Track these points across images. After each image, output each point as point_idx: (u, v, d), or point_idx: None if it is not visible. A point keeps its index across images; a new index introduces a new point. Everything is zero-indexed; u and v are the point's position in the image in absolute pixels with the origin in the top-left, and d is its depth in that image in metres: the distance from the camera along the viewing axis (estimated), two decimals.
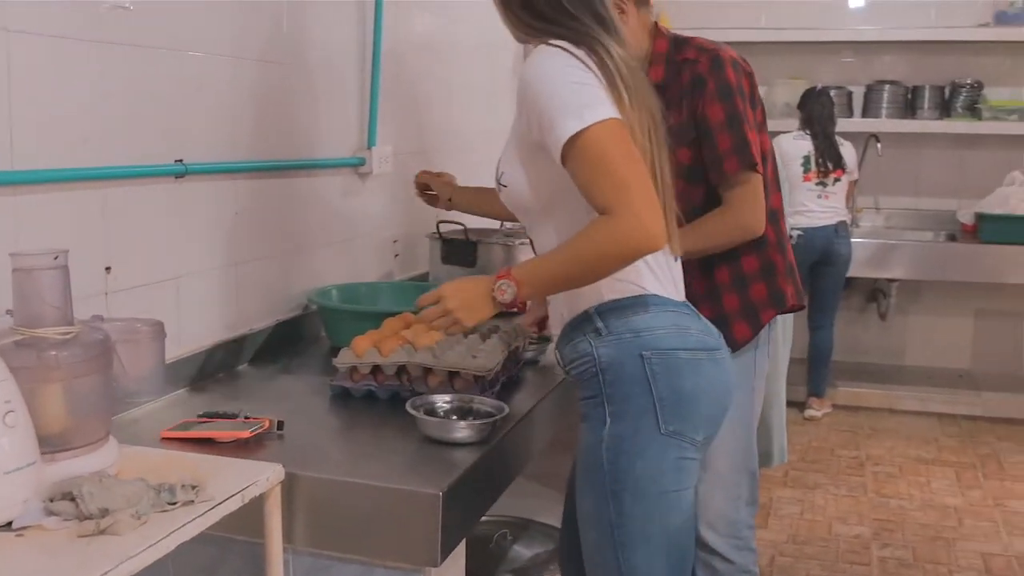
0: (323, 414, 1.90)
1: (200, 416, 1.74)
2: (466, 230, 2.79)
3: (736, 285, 2.25)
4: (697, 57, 2.12)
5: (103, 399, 1.42)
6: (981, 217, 5.00)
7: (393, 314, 2.17)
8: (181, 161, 1.94)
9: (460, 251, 2.79)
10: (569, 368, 1.71)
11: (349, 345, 1.96)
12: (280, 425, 1.72)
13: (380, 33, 2.68)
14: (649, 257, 1.60)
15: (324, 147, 2.52)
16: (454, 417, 1.78)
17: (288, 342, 2.35)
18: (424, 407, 1.77)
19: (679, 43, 2.21)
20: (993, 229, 4.93)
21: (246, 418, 1.72)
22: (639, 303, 1.64)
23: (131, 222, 1.84)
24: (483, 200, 2.36)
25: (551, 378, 2.13)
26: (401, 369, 1.92)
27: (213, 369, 2.07)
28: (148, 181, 1.88)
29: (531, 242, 1.81)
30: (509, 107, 3.96)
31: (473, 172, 3.54)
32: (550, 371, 2.17)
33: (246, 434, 1.64)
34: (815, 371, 5.05)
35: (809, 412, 5.00)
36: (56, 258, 1.36)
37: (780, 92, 5.44)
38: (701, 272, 2.20)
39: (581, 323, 1.67)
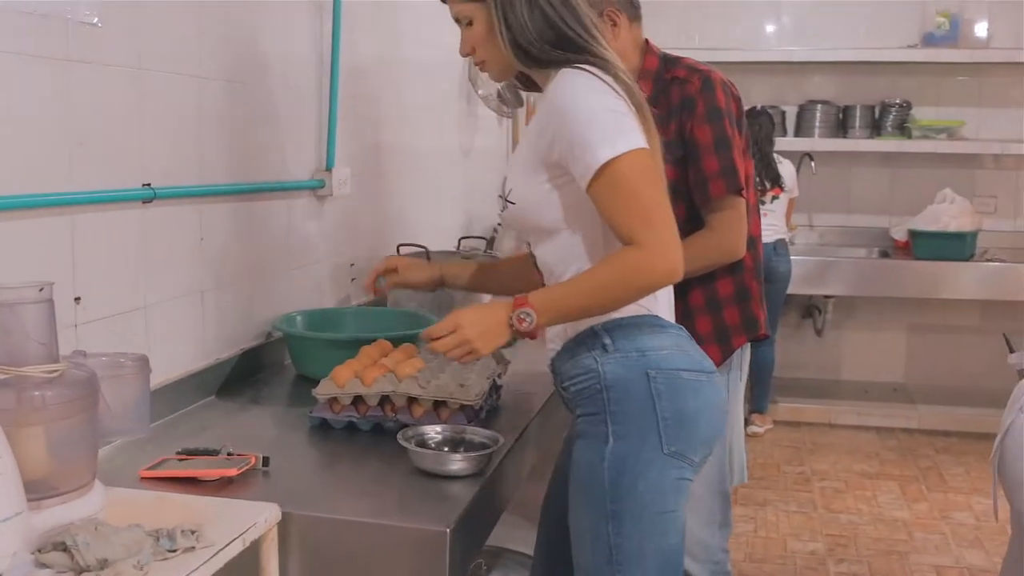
0: (303, 447, 1.82)
1: (179, 453, 1.65)
2: (427, 252, 2.73)
3: (710, 308, 2.24)
4: (688, 77, 2.12)
5: (89, 440, 1.34)
6: (914, 234, 5.11)
7: (366, 341, 2.10)
8: (149, 185, 1.85)
9: None
10: (568, 384, 1.68)
11: (328, 375, 1.89)
12: (266, 461, 1.64)
13: (338, 52, 2.61)
14: None
15: (284, 169, 2.44)
16: (446, 449, 1.72)
17: (253, 371, 2.26)
18: (415, 439, 1.71)
19: (669, 61, 2.20)
20: (926, 245, 5.03)
21: (229, 454, 1.64)
22: (645, 323, 1.64)
23: (100, 250, 1.75)
24: (488, 276, 2.11)
25: (528, 404, 2.08)
26: (383, 399, 1.86)
27: (182, 403, 1.97)
28: (116, 206, 1.79)
29: (534, 259, 1.78)
30: (454, 126, 3.94)
31: (424, 191, 3.50)
32: (523, 396, 2.12)
33: (233, 472, 1.56)
34: (757, 387, 5.09)
35: (752, 429, 5.03)
36: (41, 290, 1.28)
37: None
38: (675, 294, 2.18)
39: (586, 339, 1.65)
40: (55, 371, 1.29)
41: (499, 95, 4.15)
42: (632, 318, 1.63)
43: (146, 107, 1.86)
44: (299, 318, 2.37)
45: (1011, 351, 2.54)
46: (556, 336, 1.72)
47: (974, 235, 5.00)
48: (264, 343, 2.33)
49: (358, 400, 1.86)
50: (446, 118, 3.78)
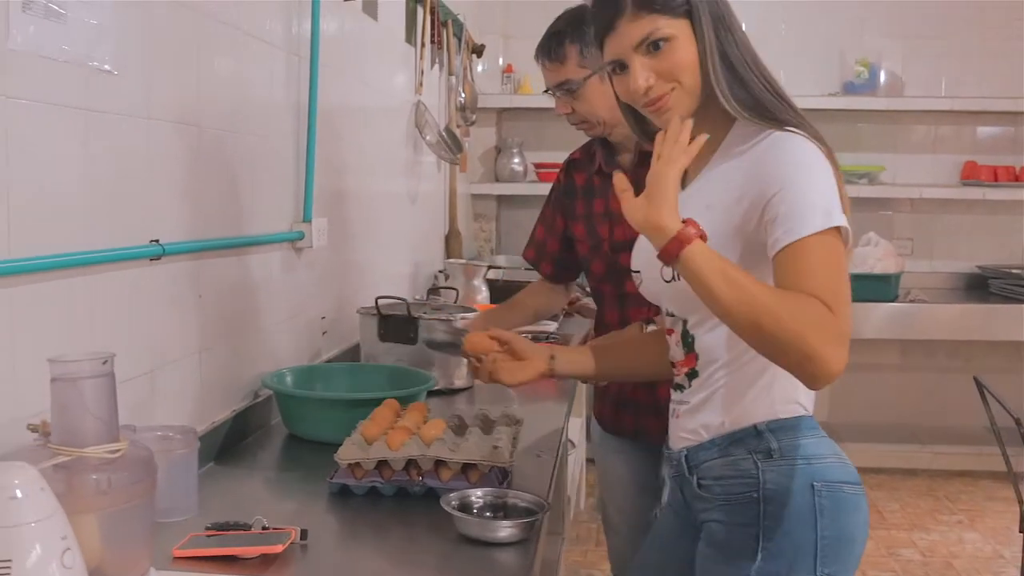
0: (329, 516, 1.73)
1: (208, 528, 1.55)
2: (408, 305, 2.65)
3: None
4: None
5: (147, 526, 1.24)
6: None
7: (368, 400, 2.03)
8: (157, 241, 1.75)
9: (400, 327, 2.65)
10: (712, 484, 1.52)
11: (347, 438, 1.80)
12: (304, 535, 1.55)
13: (315, 100, 2.54)
14: None
15: (266, 221, 2.34)
16: (488, 514, 1.65)
17: (245, 433, 2.15)
18: (458, 503, 1.64)
19: None
20: (854, 287, 5.12)
21: (264, 528, 1.54)
22: (804, 425, 1.50)
23: (111, 309, 1.64)
24: (600, 357, 1.83)
25: (542, 464, 2.03)
26: (409, 463, 1.78)
27: None
28: (126, 264, 1.68)
29: (687, 341, 1.58)
30: (403, 172, 3.87)
31: (383, 240, 3.42)
32: (530, 453, 2.06)
33: (278, 548, 1.46)
34: None
35: None
36: (104, 363, 1.17)
37: None
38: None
39: (746, 438, 1.49)
40: (117, 451, 1.18)
41: (445, 141, 4.11)
42: (795, 419, 1.49)
43: (154, 158, 1.76)
44: (288, 376, 2.27)
45: (982, 396, 2.61)
46: (703, 427, 1.54)
47: (898, 277, 5.14)
48: (252, 403, 2.22)
49: (383, 464, 1.77)
50: (397, 164, 3.72)
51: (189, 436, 1.42)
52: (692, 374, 1.58)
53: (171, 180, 1.83)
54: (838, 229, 1.37)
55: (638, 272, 1.64)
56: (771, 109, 1.48)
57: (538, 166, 5.40)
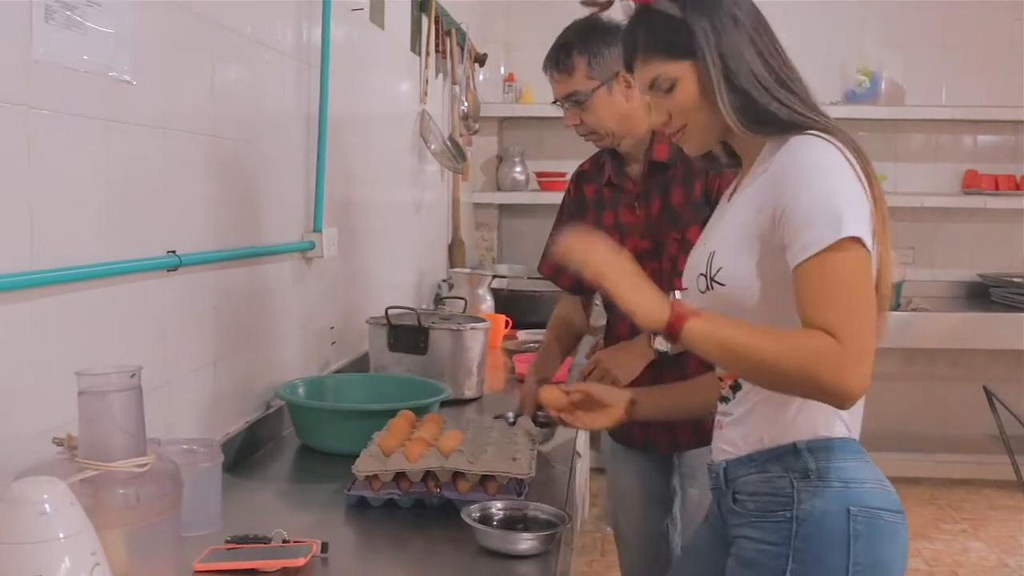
0: (346, 528, 1.72)
1: (228, 541, 1.53)
2: (418, 315, 2.65)
3: None
4: None
5: (175, 541, 1.23)
6: None
7: (383, 411, 2.02)
8: (174, 252, 1.74)
9: (410, 337, 2.64)
10: (746, 500, 1.50)
11: (367, 450, 1.79)
12: (324, 547, 1.53)
13: (326, 108, 2.53)
14: None
15: (277, 230, 2.34)
16: (510, 526, 1.64)
17: (257, 445, 2.14)
18: (478, 515, 1.63)
19: None
20: None
21: (284, 541, 1.53)
22: (846, 447, 1.46)
23: (130, 321, 1.63)
24: (676, 397, 1.85)
25: (558, 474, 2.02)
26: (427, 474, 1.77)
27: None
28: (144, 276, 1.67)
29: None
30: (409, 181, 3.86)
31: (389, 249, 3.41)
32: (544, 464, 2.05)
33: (301, 562, 1.45)
34: None
35: None
36: (132, 376, 1.16)
37: None
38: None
39: (784, 456, 1.46)
40: (144, 465, 1.17)
41: (450, 150, 4.11)
42: (837, 440, 1.45)
43: (170, 168, 1.75)
44: (301, 387, 2.25)
45: (991, 405, 2.61)
46: (742, 440, 1.52)
47: (899, 285, 5.14)
48: (264, 414, 2.21)
49: (401, 476, 1.76)
50: (402, 174, 3.71)
51: (213, 449, 1.41)
52: (736, 386, 1.56)
53: (186, 190, 1.82)
54: (852, 236, 1.35)
55: (685, 289, 1.64)
56: (794, 123, 1.47)
57: (540, 175, 5.39)
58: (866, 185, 1.41)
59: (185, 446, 1.36)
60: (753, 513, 1.49)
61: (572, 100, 2.21)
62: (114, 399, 1.14)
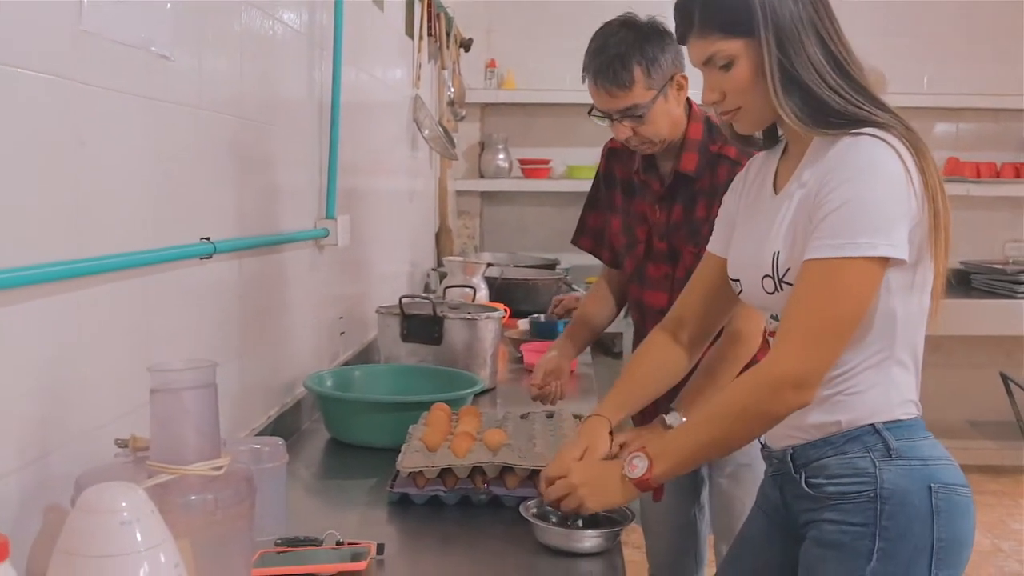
0: (389, 527, 1.64)
1: (278, 544, 1.45)
2: (433, 304, 2.57)
3: None
4: (738, 158, 2.00)
5: (248, 549, 1.15)
6: None
7: (416, 403, 1.95)
8: (208, 239, 1.65)
9: (424, 327, 2.56)
10: (825, 483, 1.47)
11: (409, 446, 1.72)
12: (380, 548, 1.46)
13: (339, 94, 2.44)
14: (915, 365, 1.50)
15: (293, 218, 2.25)
16: (569, 523, 1.57)
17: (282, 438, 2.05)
18: (536, 512, 1.56)
19: (711, 129, 2.10)
20: None
21: (338, 543, 1.45)
22: (920, 426, 1.48)
23: (165, 313, 1.54)
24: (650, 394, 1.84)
25: None
26: (474, 470, 1.69)
27: None
28: (179, 264, 1.58)
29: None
30: (404, 169, 3.76)
31: (390, 237, 3.32)
32: None
33: (361, 565, 1.38)
34: None
35: None
36: (208, 371, 1.08)
37: None
38: None
39: (863, 436, 1.45)
40: (220, 467, 1.09)
41: (445, 135, 4.02)
42: (912, 420, 1.47)
43: (203, 149, 1.66)
44: (329, 379, 2.17)
45: (1008, 390, 2.59)
46: (815, 426, 1.48)
47: None
48: (288, 407, 2.12)
49: (447, 472, 1.69)
50: (399, 160, 3.62)
51: (278, 449, 1.33)
52: None
53: (218, 173, 1.73)
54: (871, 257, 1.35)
55: (737, 280, 1.60)
56: (847, 116, 1.42)
57: (523, 162, 5.31)
58: (918, 185, 1.38)
59: (251, 446, 1.27)
60: (833, 496, 1.47)
61: (631, 115, 2.04)
62: (188, 397, 1.05)
